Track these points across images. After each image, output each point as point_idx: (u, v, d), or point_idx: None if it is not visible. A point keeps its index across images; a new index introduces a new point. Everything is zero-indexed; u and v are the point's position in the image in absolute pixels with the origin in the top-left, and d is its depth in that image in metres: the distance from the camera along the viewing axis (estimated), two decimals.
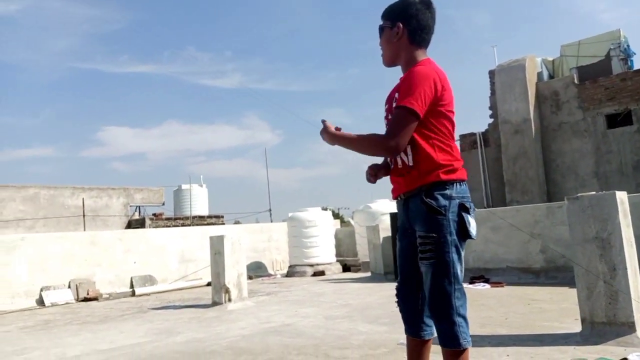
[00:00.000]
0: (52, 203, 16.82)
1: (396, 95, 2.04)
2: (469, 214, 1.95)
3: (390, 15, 2.13)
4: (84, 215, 16.84)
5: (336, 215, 27.80)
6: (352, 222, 15.32)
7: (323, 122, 2.13)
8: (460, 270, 1.92)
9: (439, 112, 1.97)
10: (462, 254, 1.94)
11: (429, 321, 2.06)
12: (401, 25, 2.08)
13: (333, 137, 2.05)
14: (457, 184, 1.96)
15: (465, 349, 1.87)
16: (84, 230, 16.09)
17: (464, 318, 1.90)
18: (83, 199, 17.28)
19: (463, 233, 1.93)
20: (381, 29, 2.16)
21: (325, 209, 16.43)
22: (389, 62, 2.18)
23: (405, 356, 2.19)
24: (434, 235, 1.90)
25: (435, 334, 2.04)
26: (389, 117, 2.11)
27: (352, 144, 2.04)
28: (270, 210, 20.55)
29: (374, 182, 2.25)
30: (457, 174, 1.97)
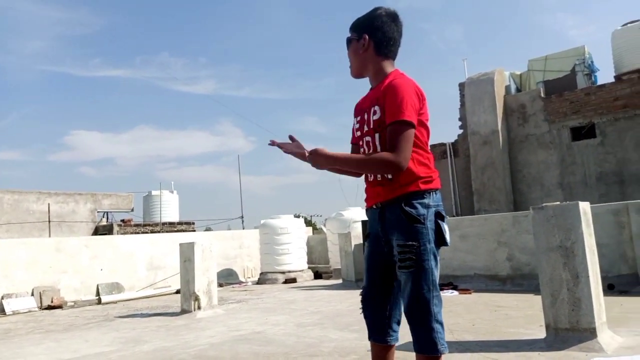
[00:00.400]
0: (15, 208, 16.27)
1: (375, 108, 2.05)
2: (444, 221, 2.00)
3: (357, 28, 2.18)
4: (49, 221, 16.35)
5: (308, 223, 27.78)
6: (324, 229, 15.34)
7: (308, 151, 2.08)
8: (437, 277, 1.95)
9: (419, 121, 2.00)
10: (438, 260, 1.98)
11: (396, 327, 2.09)
12: (367, 37, 2.12)
13: (329, 158, 2.00)
14: (433, 192, 2.00)
15: (441, 355, 1.90)
16: (49, 236, 15.62)
17: (442, 324, 1.93)
18: (49, 204, 16.79)
19: (440, 240, 1.97)
20: (348, 40, 2.20)
21: (298, 217, 16.40)
22: (357, 73, 2.21)
23: None
24: (414, 243, 1.92)
25: (398, 340, 2.08)
26: (365, 129, 2.11)
27: (353, 165, 2.02)
28: (242, 217, 20.41)
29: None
30: (433, 183, 2.02)
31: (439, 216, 1.98)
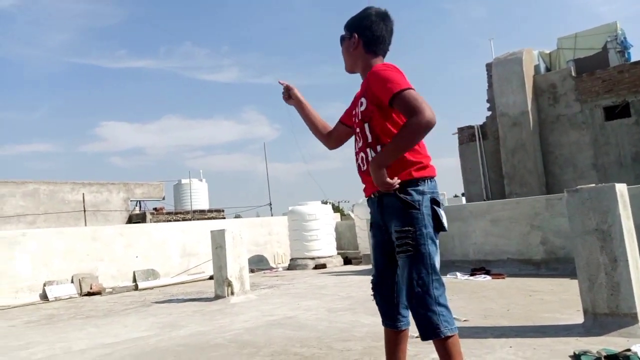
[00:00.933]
0: (52, 198, 16.82)
1: (361, 100, 2.16)
2: (440, 207, 2.05)
3: (348, 27, 2.30)
4: (84, 210, 16.85)
5: (336, 209, 27.87)
6: (352, 215, 15.38)
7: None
8: (437, 262, 2.00)
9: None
10: (437, 245, 2.03)
11: (405, 312, 2.15)
12: (356, 35, 2.23)
13: (384, 158, 2.00)
14: (428, 180, 2.05)
15: (450, 336, 1.91)
16: (85, 225, 16.11)
17: (446, 307, 1.95)
18: (83, 194, 17.28)
19: (437, 226, 2.02)
20: (342, 38, 2.33)
21: (326, 203, 16.48)
22: (349, 69, 2.34)
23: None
24: (410, 229, 1.98)
25: (410, 324, 2.14)
26: (355, 121, 2.24)
27: (396, 150, 1.98)
28: (270, 204, 20.58)
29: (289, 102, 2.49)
30: (427, 170, 2.06)
31: (434, 202, 2.04)
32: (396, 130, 2.02)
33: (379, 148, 2.08)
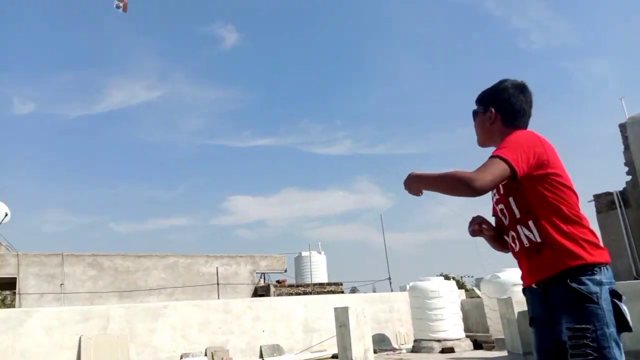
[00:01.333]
0: (189, 271, 18.29)
1: None
2: (622, 302, 1.75)
3: (482, 100, 2.19)
4: (217, 283, 18.01)
5: (460, 285, 26.46)
6: (477, 292, 14.48)
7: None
8: None
9: (557, 182, 1.87)
10: (622, 350, 1.71)
11: None
12: (493, 110, 2.11)
13: (420, 179, 1.96)
14: (604, 267, 1.78)
15: None
16: (218, 297, 17.14)
17: None
18: (217, 267, 18.56)
19: (621, 325, 1.72)
20: (474, 113, 2.21)
21: (448, 278, 15.75)
22: (483, 143, 2.21)
23: None
24: (589, 327, 1.69)
25: None
26: (496, 197, 2.07)
27: (431, 181, 1.93)
28: (389, 278, 20.21)
29: (478, 235, 2.15)
30: (602, 255, 1.80)
31: (615, 295, 1.75)
32: (550, 194, 1.85)
33: (531, 223, 1.87)
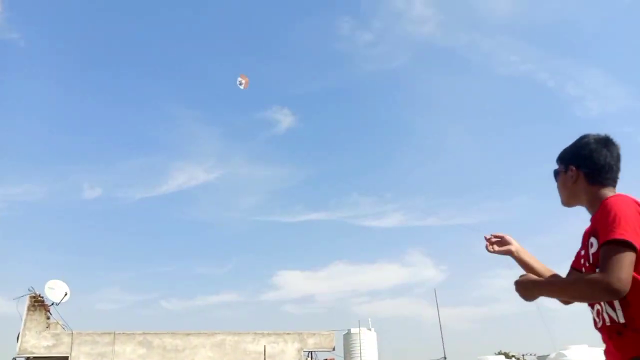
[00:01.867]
0: (235, 349, 17.99)
1: (591, 240, 1.86)
2: None
3: (563, 159, 2.09)
4: None
5: None
6: None
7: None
8: None
9: None
10: None
11: None
12: (574, 168, 2.00)
13: (536, 284, 1.86)
14: None
15: None
16: None
17: None
18: (265, 345, 18.21)
19: None
20: (556, 172, 2.11)
21: (508, 356, 14.73)
22: (567, 204, 2.09)
23: None
24: None
25: None
26: (586, 264, 1.91)
27: (556, 289, 1.84)
28: (445, 358, 19.13)
29: (491, 251, 2.20)
30: None
31: None
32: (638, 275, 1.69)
33: (616, 303, 1.74)
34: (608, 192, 1.94)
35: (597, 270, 1.72)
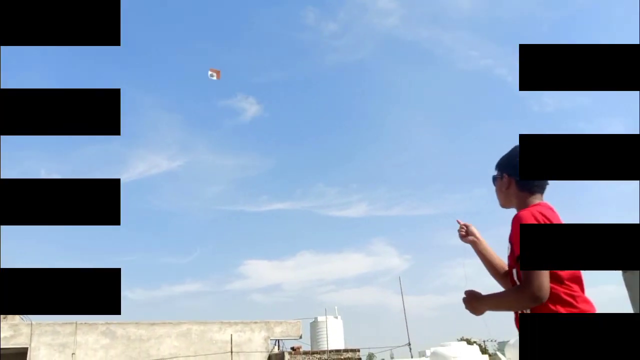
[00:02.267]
0: (202, 339, 17.88)
1: (508, 244, 2.11)
2: None
3: (499, 166, 2.32)
4: (231, 352, 17.55)
5: (483, 350, 25.42)
6: (501, 356, 13.88)
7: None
8: None
9: None
10: None
11: None
12: (507, 176, 2.23)
13: (478, 301, 2.10)
14: None
15: None
16: None
17: None
18: (231, 334, 18.17)
19: None
20: (494, 178, 2.34)
21: (470, 342, 15.16)
22: (504, 206, 2.33)
23: None
24: None
25: None
26: (507, 262, 2.18)
27: (495, 304, 2.08)
28: (409, 344, 19.52)
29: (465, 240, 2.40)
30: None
31: None
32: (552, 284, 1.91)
33: None
34: (534, 200, 2.17)
35: (516, 279, 2.02)
